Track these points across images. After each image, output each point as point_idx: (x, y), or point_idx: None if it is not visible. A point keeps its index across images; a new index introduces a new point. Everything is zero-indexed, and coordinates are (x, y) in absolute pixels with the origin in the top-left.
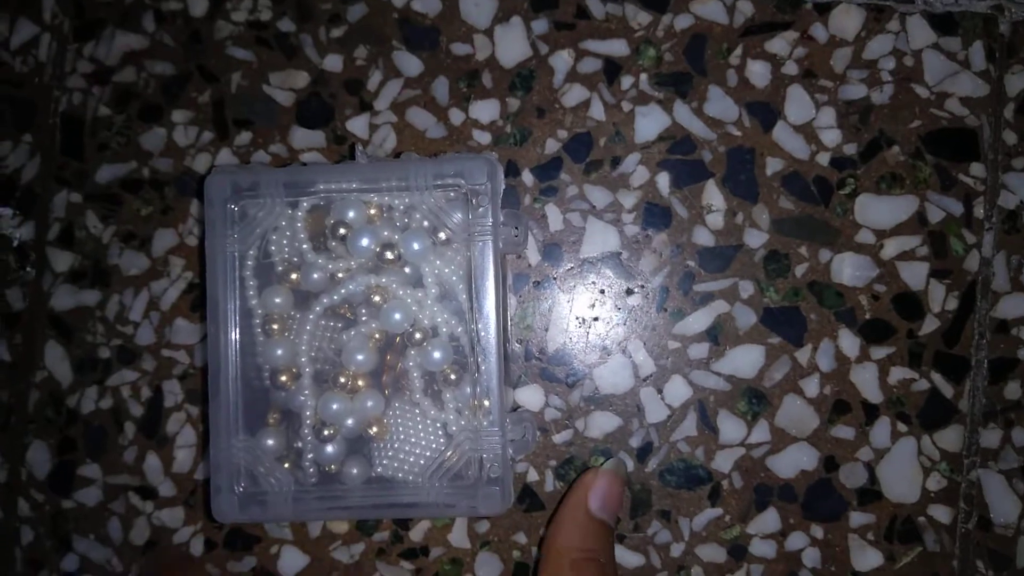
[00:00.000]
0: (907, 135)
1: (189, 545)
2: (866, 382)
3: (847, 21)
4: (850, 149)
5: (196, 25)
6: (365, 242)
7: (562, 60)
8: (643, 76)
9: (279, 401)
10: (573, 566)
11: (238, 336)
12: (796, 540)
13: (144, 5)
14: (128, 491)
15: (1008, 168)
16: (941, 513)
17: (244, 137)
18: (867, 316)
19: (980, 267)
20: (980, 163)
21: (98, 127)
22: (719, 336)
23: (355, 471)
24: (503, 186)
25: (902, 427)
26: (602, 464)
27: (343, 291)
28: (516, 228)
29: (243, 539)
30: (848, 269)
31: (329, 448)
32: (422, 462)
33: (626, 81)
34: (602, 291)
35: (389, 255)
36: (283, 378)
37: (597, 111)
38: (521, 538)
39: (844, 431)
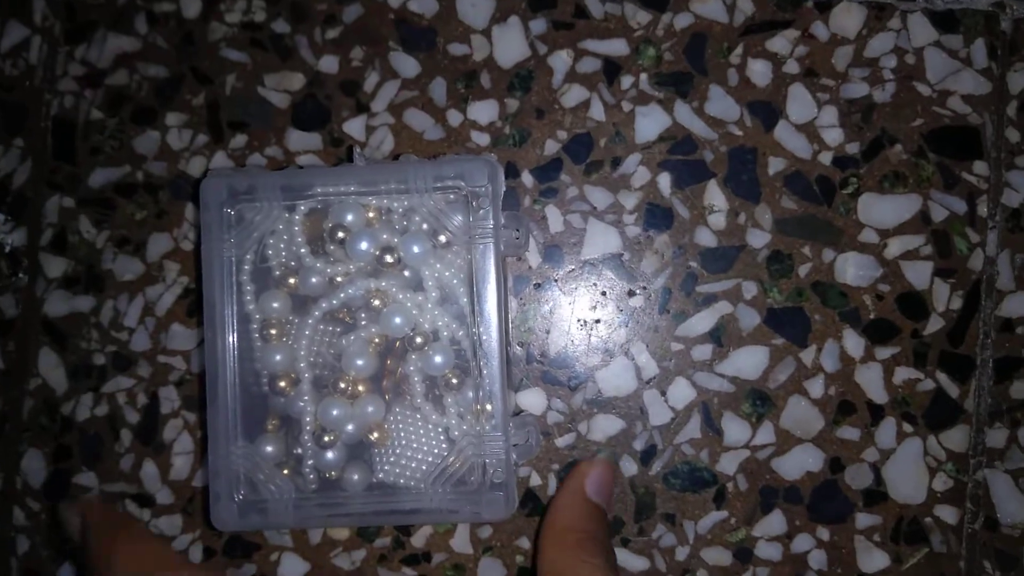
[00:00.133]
0: (909, 133)
1: (188, 553)
2: (871, 382)
3: (848, 19)
4: (852, 148)
5: (189, 27)
6: (364, 245)
7: (561, 60)
8: (643, 76)
9: (278, 407)
10: (577, 544)
11: (236, 341)
12: (802, 542)
13: (136, 7)
14: (125, 499)
15: (1011, 166)
16: (947, 514)
17: (239, 140)
18: (871, 316)
19: (984, 266)
20: (983, 161)
21: (90, 131)
22: (722, 337)
23: (356, 477)
24: (504, 188)
25: (908, 427)
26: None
27: (342, 295)
28: (517, 230)
29: (243, 546)
30: (852, 269)
31: (329, 454)
32: (424, 468)
33: (626, 81)
34: (604, 293)
35: (389, 258)
36: (282, 384)
37: (597, 111)
38: (524, 543)
39: (849, 432)
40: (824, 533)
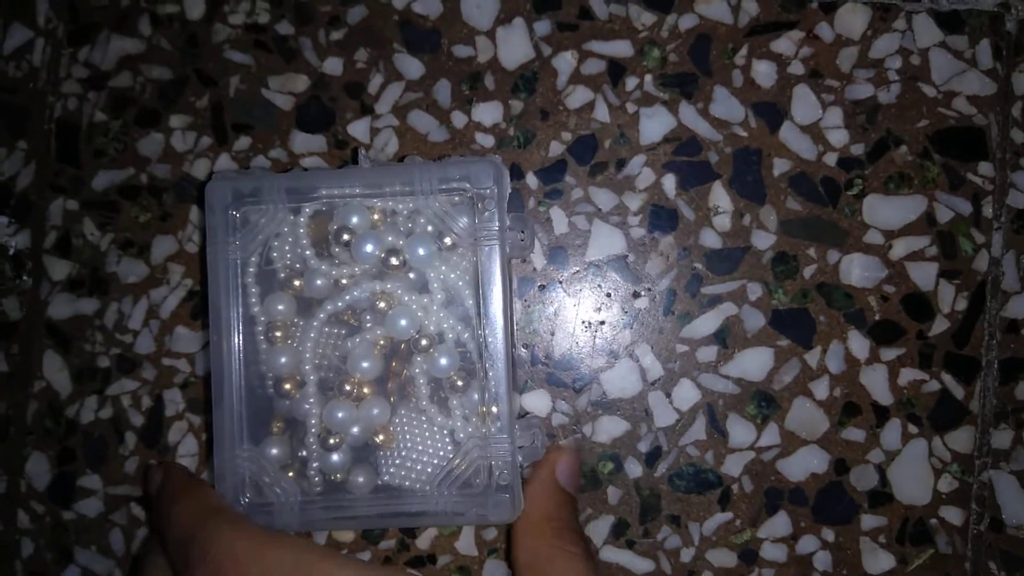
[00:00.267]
0: (915, 135)
1: None
2: (876, 384)
3: (853, 20)
4: (857, 149)
5: (193, 28)
6: (369, 248)
7: (565, 61)
8: (648, 77)
9: (283, 410)
10: (555, 533)
11: (241, 344)
12: (807, 544)
13: (140, 9)
14: (130, 502)
15: (1016, 167)
16: (953, 515)
17: (243, 142)
18: (876, 317)
19: (989, 267)
20: (988, 162)
21: (94, 133)
22: (727, 339)
23: (361, 480)
24: (509, 190)
25: (913, 429)
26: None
27: (347, 297)
28: (522, 232)
29: None
30: (857, 270)
31: (335, 457)
32: (429, 470)
33: (631, 82)
34: (608, 294)
35: (394, 261)
36: (287, 386)
37: (601, 113)
38: None
39: (854, 433)
40: (829, 534)
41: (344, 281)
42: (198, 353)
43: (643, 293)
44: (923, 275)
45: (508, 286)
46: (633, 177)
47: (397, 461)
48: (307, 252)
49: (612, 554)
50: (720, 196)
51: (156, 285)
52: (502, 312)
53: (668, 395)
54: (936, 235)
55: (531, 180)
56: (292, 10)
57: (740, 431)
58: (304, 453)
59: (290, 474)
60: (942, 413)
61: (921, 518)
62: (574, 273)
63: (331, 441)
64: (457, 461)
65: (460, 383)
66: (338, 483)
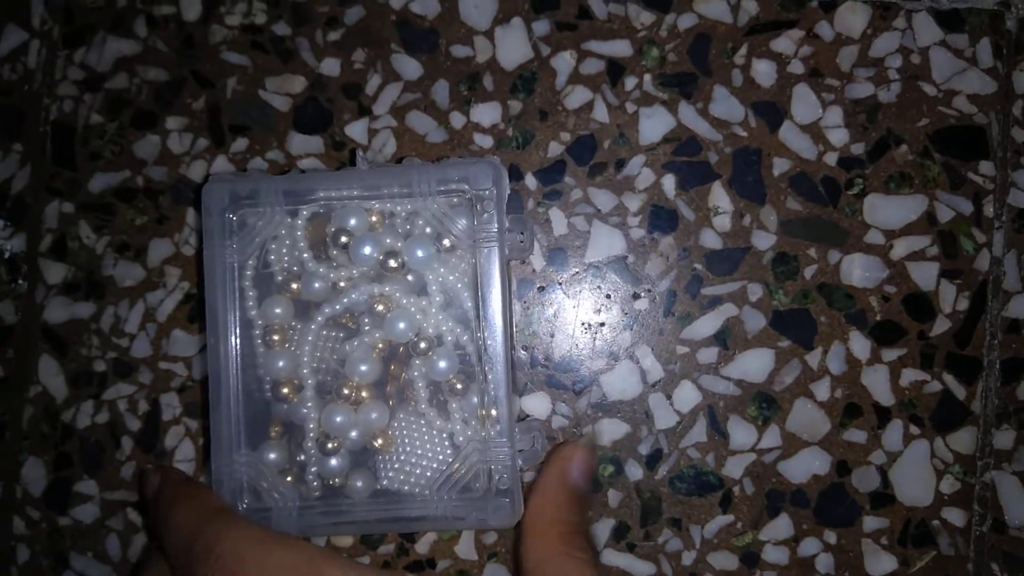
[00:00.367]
0: (915, 134)
1: None
2: (877, 385)
3: (853, 19)
4: (858, 148)
5: (189, 30)
6: (368, 250)
7: (564, 61)
8: (647, 77)
9: (281, 414)
10: (561, 539)
11: (238, 348)
12: (809, 546)
13: (136, 10)
14: (126, 507)
15: (1017, 166)
16: (955, 516)
17: (240, 144)
18: (877, 318)
19: (991, 266)
20: (989, 161)
21: (90, 135)
22: (728, 340)
23: (360, 484)
24: (508, 191)
25: (915, 430)
26: (582, 438)
27: (345, 300)
28: (521, 233)
29: None
30: (858, 270)
31: (333, 461)
32: (429, 474)
33: (630, 82)
34: (608, 296)
35: (392, 263)
36: (285, 390)
37: (600, 113)
38: None
39: (856, 435)
40: (831, 536)
41: (342, 284)
42: (195, 357)
43: (643, 294)
44: (924, 275)
45: (507, 288)
46: (632, 177)
47: (396, 465)
48: (305, 255)
49: (613, 557)
50: (720, 196)
51: (153, 288)
52: (501, 314)
53: (669, 397)
54: (937, 235)
55: (530, 181)
56: (289, 11)
57: (741, 433)
58: (302, 457)
59: (288, 479)
60: (944, 414)
61: (923, 519)
62: (573, 274)
63: (329, 445)
64: (456, 465)
65: (459, 386)
66: (337, 488)
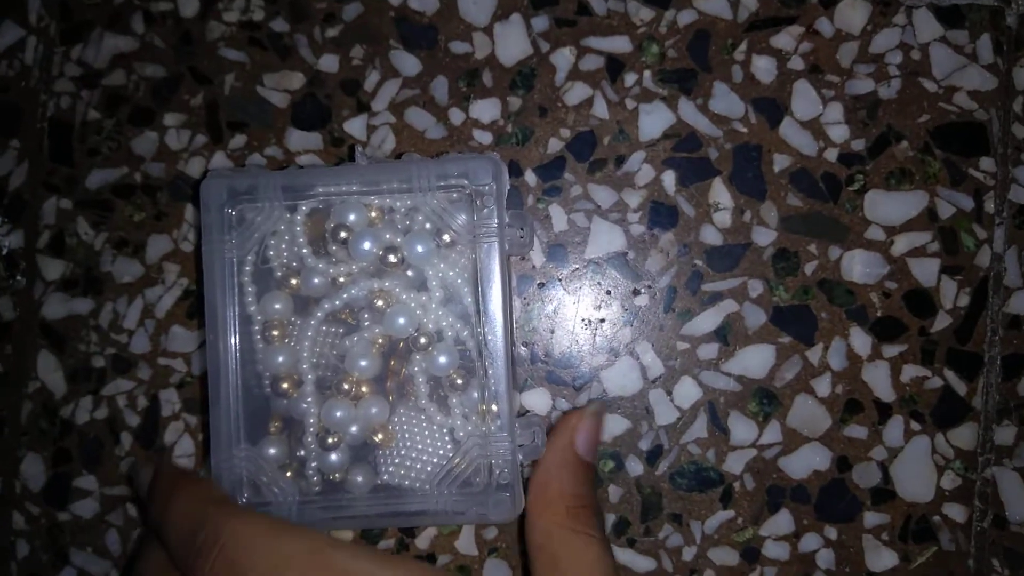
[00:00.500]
0: (915, 130)
1: None
2: (878, 380)
3: (853, 15)
4: (858, 145)
5: (187, 26)
6: (367, 245)
7: (564, 58)
8: (647, 73)
9: (281, 409)
10: (569, 513)
11: (237, 343)
12: (810, 541)
13: (133, 6)
14: (126, 502)
15: (1018, 162)
16: (956, 512)
17: (238, 140)
18: (878, 314)
19: (992, 262)
20: (990, 157)
21: (87, 132)
22: (728, 336)
23: (360, 479)
24: (508, 186)
25: (915, 425)
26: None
27: (345, 296)
28: (521, 229)
29: None
30: (858, 266)
31: (333, 456)
32: (429, 469)
33: (629, 78)
34: (608, 292)
35: (392, 258)
36: (285, 385)
37: (600, 109)
38: None
39: (857, 430)
40: (832, 532)
41: (342, 279)
42: (194, 353)
43: (643, 290)
44: (925, 271)
45: (507, 284)
46: (632, 174)
47: (396, 460)
48: (304, 250)
49: (614, 553)
50: (720, 192)
51: (151, 284)
52: (501, 310)
53: (669, 393)
54: (938, 231)
55: (530, 177)
56: (287, 7)
57: (742, 429)
58: (302, 453)
59: (288, 474)
60: (945, 410)
61: (924, 515)
62: (573, 271)
63: (329, 440)
64: (457, 460)
65: (459, 381)
66: (337, 483)
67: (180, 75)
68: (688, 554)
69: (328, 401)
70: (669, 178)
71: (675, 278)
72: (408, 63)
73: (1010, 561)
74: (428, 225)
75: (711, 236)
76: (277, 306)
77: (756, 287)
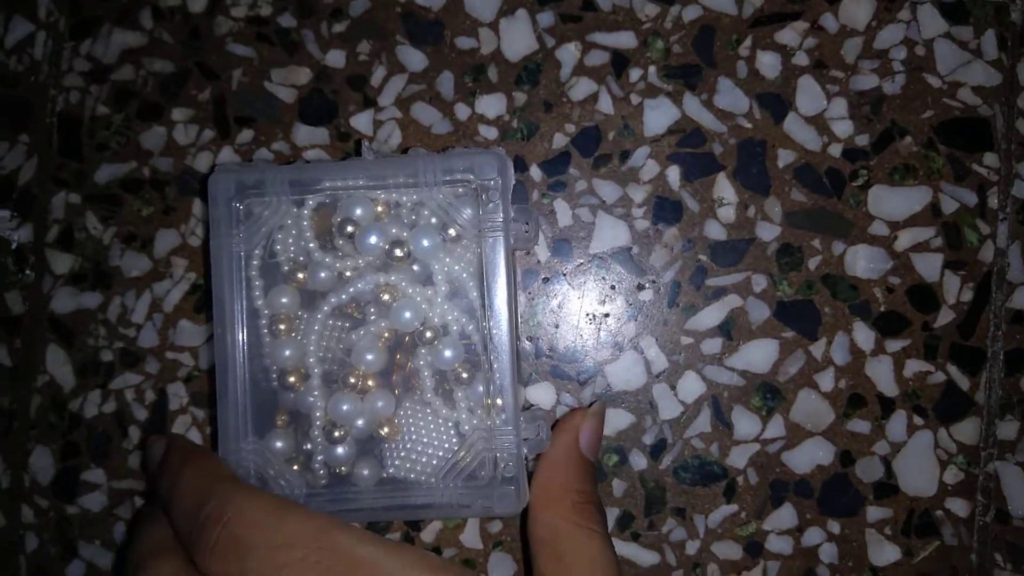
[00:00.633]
0: (920, 125)
1: None
2: (881, 375)
3: (857, 10)
4: (862, 140)
5: (195, 21)
6: (374, 240)
7: (569, 53)
8: (652, 68)
9: (288, 402)
10: (574, 508)
11: (245, 337)
12: (813, 536)
13: (142, 2)
14: (134, 496)
15: (1022, 157)
16: (959, 506)
17: (246, 135)
18: (882, 309)
19: (995, 258)
20: (994, 153)
21: (96, 127)
22: (732, 331)
23: (366, 472)
24: (513, 181)
25: (918, 420)
26: (590, 407)
27: (351, 290)
28: (526, 224)
29: None
30: (862, 261)
31: (339, 449)
32: (435, 462)
33: (634, 74)
34: (613, 287)
35: (398, 252)
36: (291, 379)
37: (605, 104)
38: None
39: (860, 425)
40: (835, 526)
41: (348, 273)
42: (202, 347)
43: (647, 285)
44: (928, 266)
45: (512, 278)
46: (637, 169)
47: (402, 454)
48: (311, 244)
49: (617, 547)
50: (724, 188)
51: (159, 279)
52: (506, 304)
53: (673, 387)
54: (941, 226)
55: (535, 172)
56: (294, 3)
57: (745, 423)
58: (309, 446)
59: (295, 467)
60: (947, 404)
61: (927, 510)
62: (578, 265)
63: (336, 434)
64: (462, 453)
65: (465, 375)
66: (343, 476)
67: (188, 70)
68: (692, 548)
69: (335, 395)
70: (673, 173)
71: (679, 273)
72: (414, 58)
73: (1012, 555)
74: (434, 220)
75: (715, 231)
76: (284, 300)
77: (760, 282)
